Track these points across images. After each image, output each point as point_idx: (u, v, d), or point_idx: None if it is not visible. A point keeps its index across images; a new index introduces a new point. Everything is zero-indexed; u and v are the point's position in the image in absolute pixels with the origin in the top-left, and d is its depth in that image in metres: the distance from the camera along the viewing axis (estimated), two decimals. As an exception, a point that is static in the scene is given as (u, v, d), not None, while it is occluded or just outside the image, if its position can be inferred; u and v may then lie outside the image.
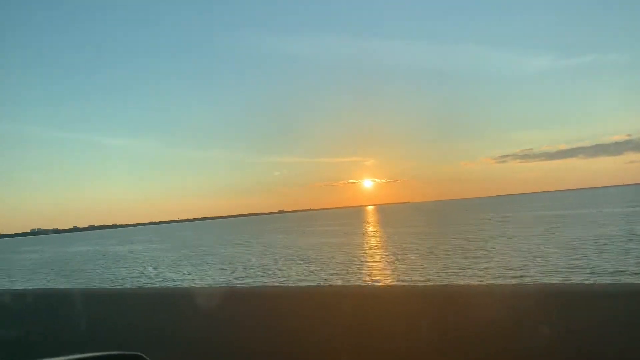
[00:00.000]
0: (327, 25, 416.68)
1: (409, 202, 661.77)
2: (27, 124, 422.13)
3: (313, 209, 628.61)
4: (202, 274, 29.42)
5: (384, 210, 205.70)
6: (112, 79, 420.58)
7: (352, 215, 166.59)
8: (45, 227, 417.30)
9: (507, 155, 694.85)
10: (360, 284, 21.61)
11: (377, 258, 30.77)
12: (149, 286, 25.16)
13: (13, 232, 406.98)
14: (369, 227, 73.87)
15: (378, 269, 26.22)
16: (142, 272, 32.82)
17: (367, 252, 35.14)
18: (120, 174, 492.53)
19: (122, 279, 30.19)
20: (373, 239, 48.58)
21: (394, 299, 2.68)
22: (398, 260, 28.31)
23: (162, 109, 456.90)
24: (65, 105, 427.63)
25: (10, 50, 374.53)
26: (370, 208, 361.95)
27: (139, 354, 1.45)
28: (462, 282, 19.26)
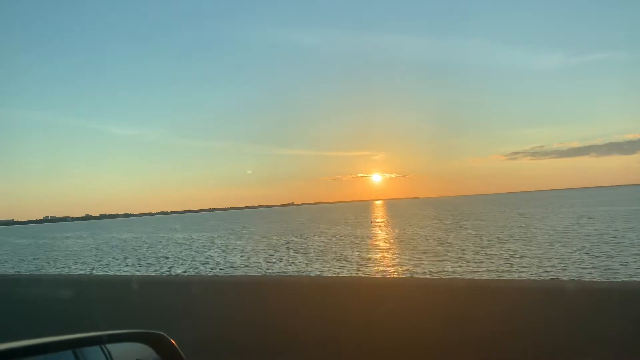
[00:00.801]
0: (338, 19, 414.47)
1: (418, 198, 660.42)
2: (39, 112, 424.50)
3: (322, 202, 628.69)
4: (346, 264, 29.09)
5: (399, 205, 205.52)
6: (125, 69, 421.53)
7: (373, 209, 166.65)
8: (57, 215, 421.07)
9: (518, 152, 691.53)
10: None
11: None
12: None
13: (26, 219, 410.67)
14: (413, 220, 74.22)
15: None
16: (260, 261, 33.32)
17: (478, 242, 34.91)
18: (131, 163, 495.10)
19: (245, 267, 30.28)
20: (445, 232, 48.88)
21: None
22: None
23: (173, 99, 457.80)
24: (79, 94, 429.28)
25: (24, 39, 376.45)
26: (379, 202, 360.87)
27: (160, 332, 1.49)
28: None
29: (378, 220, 75.51)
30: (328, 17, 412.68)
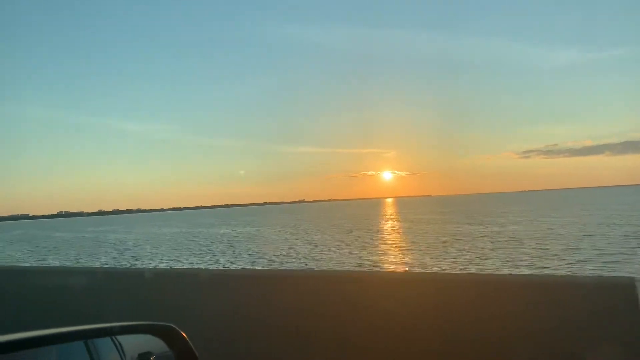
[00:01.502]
0: (349, 16, 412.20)
1: (430, 196, 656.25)
2: (53, 109, 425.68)
3: (333, 200, 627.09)
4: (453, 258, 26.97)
5: (421, 203, 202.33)
6: (135, 65, 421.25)
7: (402, 206, 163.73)
8: (71, 210, 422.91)
9: (531, 150, 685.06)
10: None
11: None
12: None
13: (41, 214, 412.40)
14: (471, 214, 71.30)
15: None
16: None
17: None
18: (142, 159, 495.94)
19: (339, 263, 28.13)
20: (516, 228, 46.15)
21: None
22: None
23: (183, 96, 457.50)
24: (91, 91, 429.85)
25: (37, 36, 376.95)
26: (389, 200, 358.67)
27: (171, 325, 1.47)
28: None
29: (436, 216, 72.38)
30: (338, 13, 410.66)
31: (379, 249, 32.72)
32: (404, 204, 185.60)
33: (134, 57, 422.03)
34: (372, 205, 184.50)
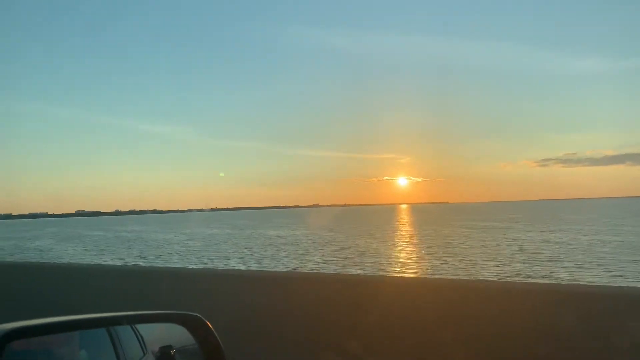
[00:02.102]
0: (367, 20, 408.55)
1: (448, 203, 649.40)
2: (71, 108, 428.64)
3: (348, 205, 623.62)
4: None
5: (446, 210, 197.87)
6: (155, 67, 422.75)
7: (431, 212, 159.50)
8: (88, 209, 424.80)
9: (550, 159, 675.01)
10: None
11: None
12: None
13: (59, 213, 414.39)
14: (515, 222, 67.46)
15: None
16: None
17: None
18: (158, 160, 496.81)
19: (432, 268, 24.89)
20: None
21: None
22: None
23: (201, 99, 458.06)
24: (110, 91, 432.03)
25: (57, 36, 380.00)
26: (404, 206, 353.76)
27: (197, 314, 1.48)
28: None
29: (500, 223, 68.43)
30: (357, 17, 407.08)
31: (492, 256, 29.22)
32: (431, 210, 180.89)
33: (153, 59, 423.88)
34: (399, 211, 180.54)
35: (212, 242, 48.37)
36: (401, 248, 36.18)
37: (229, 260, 30.73)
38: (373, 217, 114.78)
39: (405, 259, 29.31)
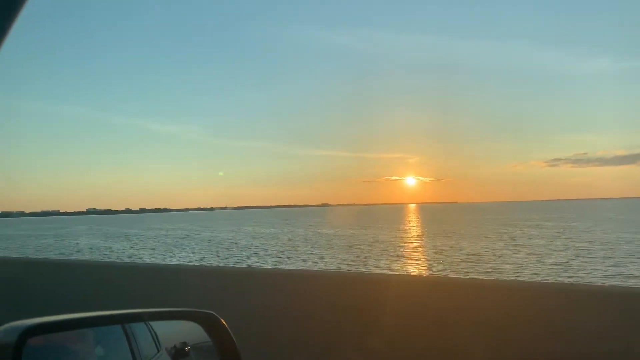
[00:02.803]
0: (374, 19, 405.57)
1: (457, 202, 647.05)
2: (82, 108, 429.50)
3: (357, 204, 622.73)
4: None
5: (468, 210, 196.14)
6: (165, 67, 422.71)
7: (465, 212, 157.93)
8: (99, 208, 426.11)
9: (560, 159, 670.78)
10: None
11: None
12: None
13: (71, 211, 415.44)
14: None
15: None
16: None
17: None
18: (167, 160, 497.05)
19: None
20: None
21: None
22: None
23: (209, 98, 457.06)
24: (120, 91, 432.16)
25: (69, 35, 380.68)
26: (412, 206, 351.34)
27: (212, 312, 1.48)
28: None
29: (548, 223, 67.10)
30: (363, 16, 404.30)
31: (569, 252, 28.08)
32: (450, 210, 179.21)
33: (162, 59, 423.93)
34: (422, 211, 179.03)
35: (277, 240, 47.39)
36: (515, 251, 34.16)
37: (346, 263, 29.33)
38: (407, 216, 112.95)
39: (547, 265, 27.67)
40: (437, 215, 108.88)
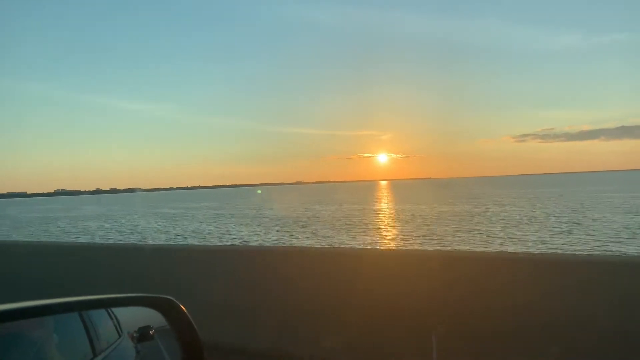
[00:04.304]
0: None
1: (430, 178, 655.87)
2: (50, 86, 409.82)
3: (330, 182, 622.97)
4: None
5: (449, 185, 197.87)
6: (132, 44, 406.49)
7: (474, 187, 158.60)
8: (68, 188, 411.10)
9: (528, 135, 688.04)
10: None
11: None
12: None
13: (39, 192, 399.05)
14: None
15: None
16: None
17: None
18: (138, 138, 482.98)
19: None
20: None
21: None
22: None
23: (179, 75, 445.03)
24: (87, 69, 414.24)
25: (22, 8, 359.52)
26: (383, 183, 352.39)
27: (170, 297, 1.45)
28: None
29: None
30: None
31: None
32: (452, 185, 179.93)
33: (131, 36, 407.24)
34: (414, 187, 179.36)
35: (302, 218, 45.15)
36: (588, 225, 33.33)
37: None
38: (411, 193, 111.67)
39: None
40: (413, 193, 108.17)
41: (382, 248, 23.24)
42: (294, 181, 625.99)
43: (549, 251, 19.74)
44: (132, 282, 3.68)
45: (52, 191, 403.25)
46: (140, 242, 27.93)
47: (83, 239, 34.53)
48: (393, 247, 24.82)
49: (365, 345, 2.87)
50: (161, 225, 44.51)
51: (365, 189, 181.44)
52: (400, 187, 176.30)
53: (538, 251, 19.55)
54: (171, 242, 29.44)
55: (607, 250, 20.70)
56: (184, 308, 1.42)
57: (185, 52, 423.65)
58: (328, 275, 3.05)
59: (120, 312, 1.49)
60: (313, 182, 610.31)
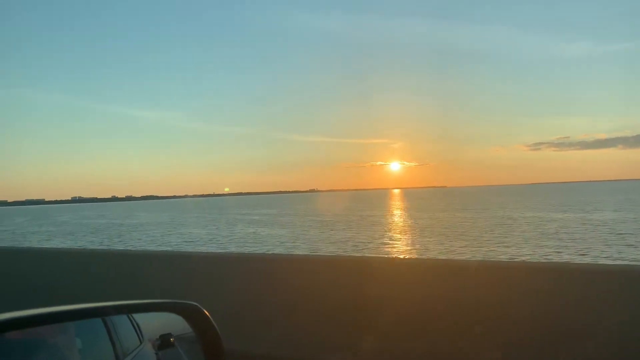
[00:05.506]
0: (361, 4, 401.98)
1: (445, 187, 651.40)
2: (67, 95, 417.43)
3: (344, 190, 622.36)
4: None
5: (467, 194, 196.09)
6: (147, 54, 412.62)
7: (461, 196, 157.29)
8: (85, 196, 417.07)
9: (542, 143, 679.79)
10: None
11: None
12: None
13: (56, 199, 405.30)
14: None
15: None
16: None
17: None
18: (153, 146, 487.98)
19: None
20: None
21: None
22: None
23: (195, 84, 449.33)
24: (103, 79, 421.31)
25: (38, 20, 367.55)
26: (396, 191, 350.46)
27: (195, 303, 1.45)
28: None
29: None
30: (352, 2, 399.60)
31: None
32: (459, 195, 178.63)
33: (145, 45, 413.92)
34: (441, 196, 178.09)
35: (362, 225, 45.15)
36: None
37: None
38: (455, 201, 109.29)
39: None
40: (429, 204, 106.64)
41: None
42: (308, 189, 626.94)
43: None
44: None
45: (69, 198, 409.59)
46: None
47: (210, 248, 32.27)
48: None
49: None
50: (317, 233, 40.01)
51: (399, 197, 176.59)
52: (450, 195, 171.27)
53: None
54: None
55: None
56: (208, 314, 1.43)
57: (200, 62, 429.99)
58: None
59: (143, 317, 1.50)
60: (327, 190, 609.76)
